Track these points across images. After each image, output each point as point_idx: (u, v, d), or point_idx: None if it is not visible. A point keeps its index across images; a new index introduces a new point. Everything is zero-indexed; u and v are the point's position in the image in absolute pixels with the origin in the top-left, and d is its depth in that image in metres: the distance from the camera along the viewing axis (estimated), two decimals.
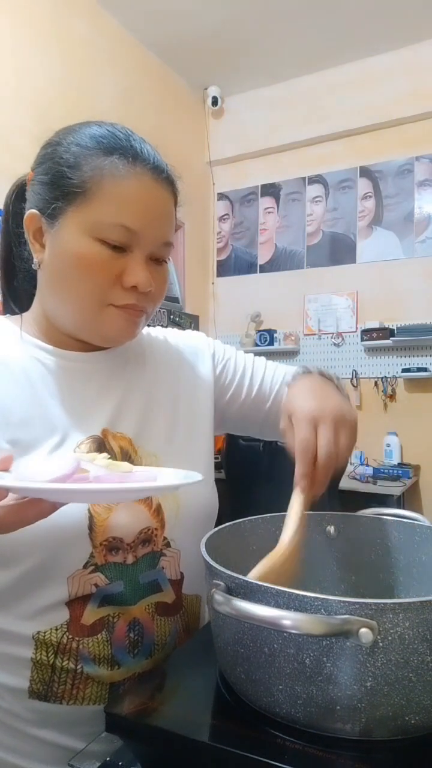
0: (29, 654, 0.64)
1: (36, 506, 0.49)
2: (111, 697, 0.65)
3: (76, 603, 0.64)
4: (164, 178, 0.66)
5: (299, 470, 0.61)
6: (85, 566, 0.64)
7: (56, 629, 0.63)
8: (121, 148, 0.64)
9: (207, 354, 0.85)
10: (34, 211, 0.66)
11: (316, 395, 0.67)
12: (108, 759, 0.53)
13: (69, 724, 0.64)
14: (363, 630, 0.43)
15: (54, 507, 0.50)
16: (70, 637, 0.64)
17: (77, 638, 0.64)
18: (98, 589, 0.65)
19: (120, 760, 0.53)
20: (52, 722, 0.64)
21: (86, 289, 0.64)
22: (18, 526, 0.49)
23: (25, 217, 0.67)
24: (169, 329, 0.88)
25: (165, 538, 0.70)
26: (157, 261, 0.68)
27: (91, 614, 0.64)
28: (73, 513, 0.62)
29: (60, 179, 0.63)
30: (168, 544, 0.70)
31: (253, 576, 0.53)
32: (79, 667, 0.64)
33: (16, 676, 0.64)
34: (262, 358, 0.90)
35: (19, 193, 0.71)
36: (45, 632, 0.63)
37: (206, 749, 0.47)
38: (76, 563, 0.64)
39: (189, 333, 0.89)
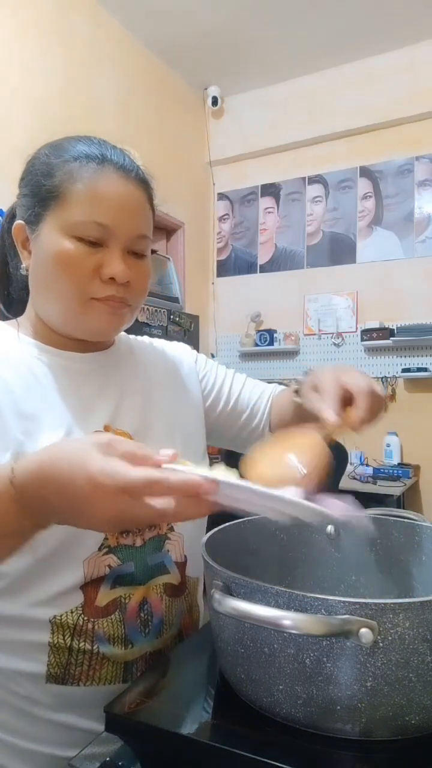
0: (46, 638, 0.66)
1: (200, 506, 0.47)
2: (125, 677, 0.68)
3: (90, 586, 0.67)
4: (134, 176, 0.69)
5: (331, 404, 0.63)
6: (99, 549, 0.67)
7: (72, 612, 0.66)
8: (90, 153, 0.68)
9: (191, 360, 0.90)
10: (20, 221, 0.71)
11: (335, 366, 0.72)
12: (108, 759, 0.53)
13: (86, 706, 0.67)
14: (363, 630, 0.43)
15: (210, 510, 0.48)
16: (86, 618, 0.66)
17: (92, 619, 0.66)
18: (111, 570, 0.68)
19: (120, 760, 0.53)
20: (70, 705, 0.67)
21: (68, 284, 0.67)
22: (175, 520, 0.49)
23: (12, 228, 0.72)
24: (154, 338, 0.92)
25: (169, 523, 0.73)
26: (136, 255, 0.71)
27: (104, 596, 0.67)
28: None
29: (36, 188, 0.69)
30: (172, 529, 0.73)
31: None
32: (95, 647, 0.67)
33: (34, 662, 0.66)
34: (243, 375, 0.95)
35: (13, 215, 0.77)
36: (61, 615, 0.66)
37: (206, 749, 0.47)
38: (92, 546, 0.66)
39: (172, 342, 0.93)
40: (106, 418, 0.72)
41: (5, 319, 0.80)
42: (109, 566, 0.67)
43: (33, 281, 0.72)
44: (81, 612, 0.66)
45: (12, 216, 0.76)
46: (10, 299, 0.82)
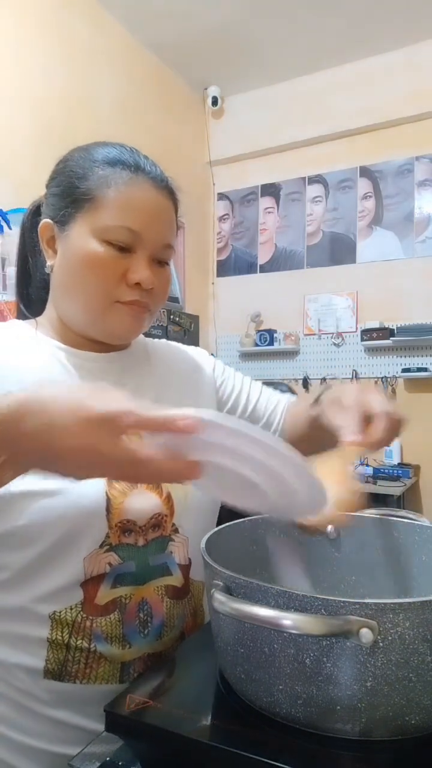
0: (45, 634, 0.66)
1: (178, 465, 0.45)
2: (122, 677, 0.68)
3: (90, 583, 0.67)
4: (164, 187, 0.72)
5: (352, 423, 0.64)
6: (100, 546, 0.67)
7: (71, 609, 0.67)
8: (125, 160, 0.70)
9: (208, 366, 0.90)
10: (47, 220, 0.73)
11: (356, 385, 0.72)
12: (108, 759, 0.53)
13: (82, 704, 0.67)
14: (363, 630, 0.43)
15: (190, 472, 0.46)
16: (85, 616, 0.67)
17: (91, 617, 0.67)
18: (112, 569, 0.68)
19: (120, 760, 0.53)
20: (66, 702, 0.67)
21: (94, 286, 0.69)
22: (150, 476, 0.47)
23: (39, 226, 0.73)
24: (172, 342, 0.93)
25: (174, 525, 0.73)
26: (159, 263, 0.73)
27: (104, 595, 0.67)
28: (92, 494, 0.66)
29: (70, 189, 0.70)
30: (176, 530, 0.73)
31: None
32: (92, 646, 0.67)
33: (33, 657, 0.67)
34: (259, 383, 0.95)
35: (35, 212, 0.79)
36: (61, 611, 0.66)
37: (206, 749, 0.47)
38: (93, 543, 0.67)
39: (191, 347, 0.94)
40: None
41: (24, 318, 0.81)
42: (110, 564, 0.68)
43: (57, 280, 0.73)
44: (80, 609, 0.67)
45: (34, 213, 0.78)
46: (30, 299, 0.83)
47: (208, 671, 0.59)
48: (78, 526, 0.65)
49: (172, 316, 3.66)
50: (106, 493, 0.67)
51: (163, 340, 0.92)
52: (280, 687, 0.47)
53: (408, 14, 3.16)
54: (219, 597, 0.47)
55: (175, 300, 3.70)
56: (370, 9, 3.12)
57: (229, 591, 0.49)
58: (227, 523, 0.66)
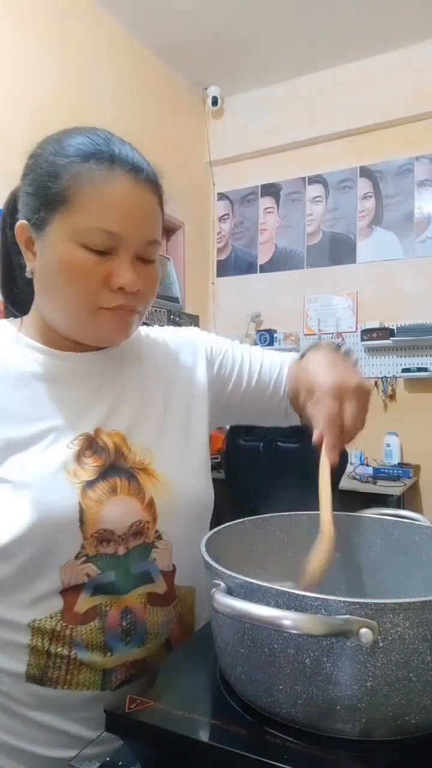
0: (26, 640, 0.65)
1: None
2: (103, 684, 0.67)
3: (69, 592, 0.65)
4: (144, 177, 0.65)
5: (329, 442, 0.66)
6: (77, 557, 0.65)
7: (51, 617, 0.65)
8: (98, 152, 0.64)
9: (201, 350, 0.86)
10: (23, 221, 0.67)
11: (335, 369, 0.71)
12: (108, 759, 0.53)
13: (64, 708, 0.66)
14: (363, 630, 0.42)
15: None
16: (64, 624, 0.65)
17: (71, 626, 0.65)
18: (90, 579, 0.66)
19: (120, 760, 0.53)
20: (49, 706, 0.66)
21: (75, 294, 0.65)
22: None
23: (15, 227, 0.68)
24: (166, 328, 0.89)
25: (157, 531, 0.70)
26: (144, 261, 0.68)
27: (84, 603, 0.66)
28: (63, 507, 0.64)
29: (42, 189, 0.65)
30: (160, 537, 0.71)
31: (314, 566, 0.60)
32: (72, 653, 0.66)
33: (15, 661, 0.66)
34: (258, 348, 0.92)
35: (14, 204, 0.72)
36: (40, 620, 0.65)
37: (206, 749, 0.47)
38: (68, 554, 0.65)
39: (184, 330, 0.89)
40: (98, 420, 0.71)
41: (15, 317, 0.78)
42: (88, 575, 0.66)
43: (39, 285, 0.69)
44: (60, 618, 0.65)
45: (12, 209, 0.72)
46: (16, 298, 0.79)
47: (207, 671, 0.59)
48: (51, 539, 0.64)
49: (172, 316, 3.66)
50: (80, 503, 0.65)
51: (156, 329, 0.87)
52: (280, 687, 0.47)
53: (408, 14, 3.16)
54: (219, 597, 0.47)
55: (175, 300, 3.70)
56: (371, 9, 3.12)
57: (229, 591, 0.49)
58: (227, 523, 0.66)
